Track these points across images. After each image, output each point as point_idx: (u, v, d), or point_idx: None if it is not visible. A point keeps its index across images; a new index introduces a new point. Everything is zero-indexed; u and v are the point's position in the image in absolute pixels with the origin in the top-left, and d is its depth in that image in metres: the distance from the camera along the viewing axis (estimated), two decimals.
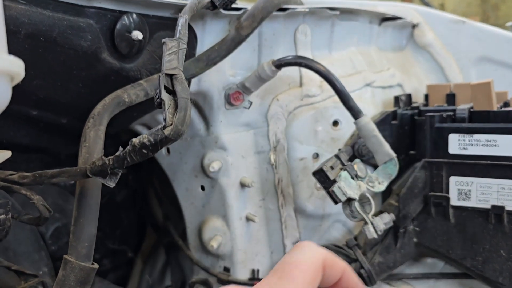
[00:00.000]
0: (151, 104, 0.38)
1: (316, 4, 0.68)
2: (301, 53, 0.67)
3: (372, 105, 0.73)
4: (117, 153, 0.36)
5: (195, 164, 0.68)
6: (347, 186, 0.54)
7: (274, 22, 0.64)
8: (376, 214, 0.62)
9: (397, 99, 0.73)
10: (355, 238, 0.65)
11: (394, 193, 0.65)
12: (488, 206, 0.57)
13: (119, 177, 0.38)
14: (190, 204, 0.72)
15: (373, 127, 0.58)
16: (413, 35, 0.94)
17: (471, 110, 0.62)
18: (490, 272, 0.58)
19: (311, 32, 0.68)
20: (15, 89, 0.35)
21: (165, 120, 0.35)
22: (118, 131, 0.70)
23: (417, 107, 0.69)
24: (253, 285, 0.63)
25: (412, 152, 0.67)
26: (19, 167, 0.64)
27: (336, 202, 0.54)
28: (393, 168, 0.59)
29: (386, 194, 0.68)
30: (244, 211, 0.67)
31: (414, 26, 0.94)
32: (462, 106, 0.64)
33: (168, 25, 0.54)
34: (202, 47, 0.59)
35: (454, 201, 0.60)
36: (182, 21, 0.43)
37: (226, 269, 0.68)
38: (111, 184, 0.37)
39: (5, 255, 0.57)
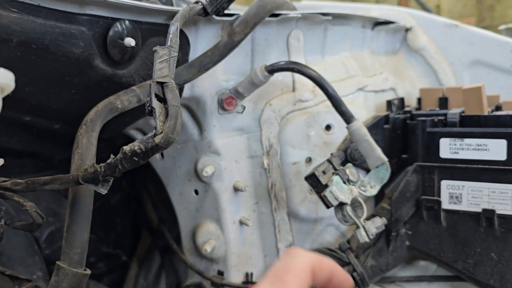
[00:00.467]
0: (144, 110, 0.38)
1: (310, 9, 0.68)
2: (294, 58, 0.68)
3: (365, 109, 0.73)
4: (109, 161, 0.36)
5: (189, 169, 0.69)
6: (339, 190, 0.55)
7: (267, 28, 0.64)
8: (369, 217, 0.62)
9: (389, 103, 0.73)
10: (348, 241, 0.66)
11: (386, 196, 0.65)
12: (479, 210, 0.58)
13: (111, 184, 0.38)
14: (184, 208, 0.72)
15: (365, 132, 0.58)
16: (407, 38, 0.95)
17: (462, 114, 0.63)
18: (481, 274, 0.58)
19: (304, 37, 0.68)
20: (8, 95, 0.35)
21: (155, 128, 0.35)
22: (113, 136, 0.70)
23: (409, 111, 0.69)
24: None
25: (404, 156, 0.67)
26: (13, 172, 0.64)
27: (328, 207, 0.55)
28: (385, 173, 0.59)
29: (379, 197, 0.69)
30: (237, 215, 0.67)
31: (407, 30, 0.94)
32: (453, 111, 0.64)
33: (161, 31, 0.54)
34: (195, 52, 0.59)
35: (446, 204, 0.60)
36: (174, 29, 0.43)
37: (220, 273, 0.69)
38: (103, 191, 0.38)
39: None
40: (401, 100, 0.77)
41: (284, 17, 0.63)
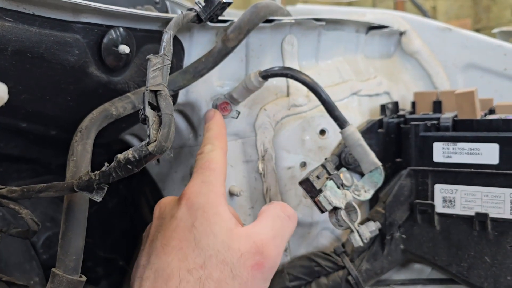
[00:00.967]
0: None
1: (305, 12, 0.69)
2: (288, 63, 0.68)
3: (359, 113, 0.74)
4: (103, 169, 0.37)
5: (185, 173, 0.69)
6: (332, 195, 0.55)
7: (261, 33, 0.65)
8: (363, 221, 0.63)
9: (383, 107, 0.74)
10: (343, 245, 0.66)
11: (381, 200, 0.66)
12: (472, 214, 0.59)
13: (105, 191, 0.38)
14: None
15: (359, 137, 0.59)
16: (401, 42, 0.95)
17: (455, 118, 0.64)
18: (475, 278, 0.59)
19: (298, 43, 0.69)
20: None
21: (149, 136, 0.35)
22: (109, 141, 0.71)
23: (403, 115, 0.70)
24: None
25: (398, 160, 0.68)
26: (10, 177, 0.65)
27: (322, 211, 0.55)
28: (379, 177, 0.60)
29: (373, 201, 0.69)
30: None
31: (401, 33, 0.95)
32: (446, 115, 0.65)
33: (155, 38, 0.54)
34: (189, 58, 0.59)
35: (439, 208, 0.61)
36: (167, 37, 0.44)
37: None
38: (98, 198, 0.38)
39: None
40: (395, 104, 0.77)
41: (278, 23, 0.64)
